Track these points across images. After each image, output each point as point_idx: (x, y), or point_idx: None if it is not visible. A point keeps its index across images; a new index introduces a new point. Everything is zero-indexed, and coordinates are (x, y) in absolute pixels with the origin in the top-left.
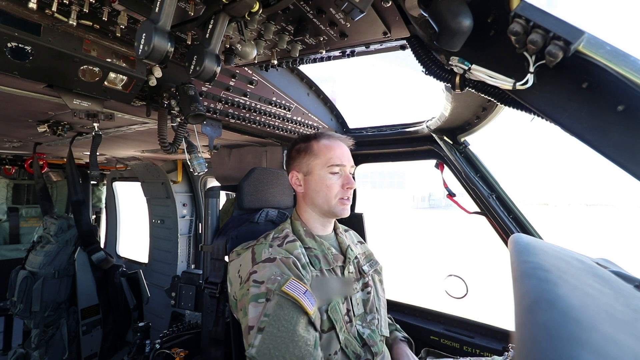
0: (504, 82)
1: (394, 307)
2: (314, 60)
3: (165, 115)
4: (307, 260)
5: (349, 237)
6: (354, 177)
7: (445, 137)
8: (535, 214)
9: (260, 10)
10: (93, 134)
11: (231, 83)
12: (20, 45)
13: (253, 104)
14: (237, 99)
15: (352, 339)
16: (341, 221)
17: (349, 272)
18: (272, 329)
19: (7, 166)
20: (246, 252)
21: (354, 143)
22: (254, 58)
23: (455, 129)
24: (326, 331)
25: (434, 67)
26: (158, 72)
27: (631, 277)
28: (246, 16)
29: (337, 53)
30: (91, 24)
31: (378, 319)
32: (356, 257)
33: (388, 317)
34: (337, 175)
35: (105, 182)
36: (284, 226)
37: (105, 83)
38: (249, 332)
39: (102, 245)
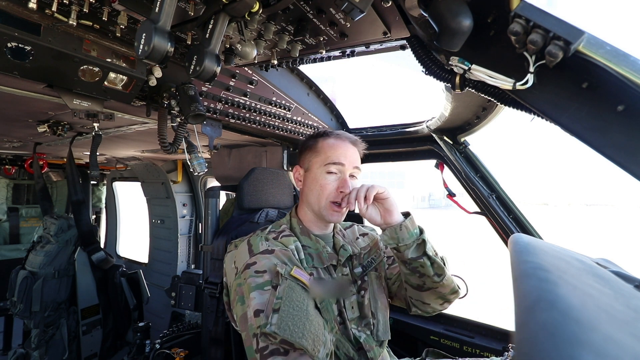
0: (504, 82)
1: (393, 307)
2: (314, 60)
3: (165, 115)
4: (302, 257)
5: (349, 234)
6: (360, 182)
7: (445, 137)
8: (535, 214)
9: (260, 10)
10: (93, 134)
11: (231, 83)
12: (20, 45)
13: (253, 104)
14: (237, 99)
15: (345, 341)
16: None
17: (342, 274)
18: (287, 308)
19: (7, 166)
20: (242, 243)
21: (365, 147)
22: (254, 58)
23: (455, 129)
24: None
25: (434, 67)
26: (158, 72)
27: (631, 277)
28: (246, 16)
29: (337, 53)
30: (91, 24)
31: (374, 324)
32: (352, 257)
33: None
34: (334, 176)
35: (105, 182)
36: (281, 222)
37: (105, 83)
38: (258, 315)
39: (102, 245)
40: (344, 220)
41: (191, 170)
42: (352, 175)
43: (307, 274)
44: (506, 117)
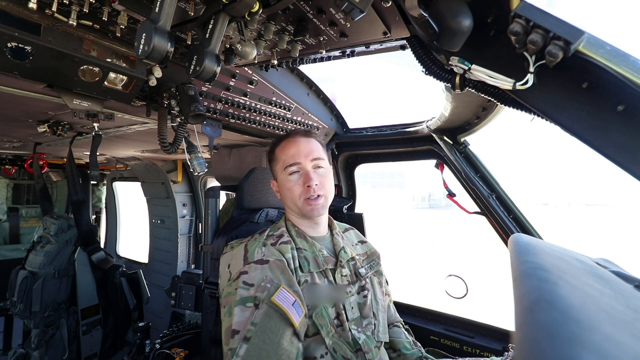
0: (504, 82)
1: None
2: (314, 60)
3: (165, 115)
4: (298, 264)
5: (348, 237)
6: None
7: (445, 137)
8: (535, 214)
9: (260, 10)
10: (93, 134)
11: (231, 83)
12: (20, 45)
13: (253, 104)
14: (237, 99)
15: (342, 343)
16: (342, 221)
17: (341, 275)
18: (257, 340)
19: (7, 166)
20: (239, 246)
21: (319, 136)
22: (254, 58)
23: (455, 129)
24: (311, 336)
25: (434, 67)
26: (158, 72)
27: (631, 277)
28: (246, 16)
29: (337, 53)
30: (91, 24)
31: (375, 324)
32: (352, 259)
33: (405, 329)
34: (297, 174)
35: (105, 182)
36: (280, 224)
37: (105, 83)
38: (233, 336)
39: (102, 245)
40: (338, 220)
41: (191, 170)
42: (316, 166)
43: (294, 297)
44: (506, 117)
